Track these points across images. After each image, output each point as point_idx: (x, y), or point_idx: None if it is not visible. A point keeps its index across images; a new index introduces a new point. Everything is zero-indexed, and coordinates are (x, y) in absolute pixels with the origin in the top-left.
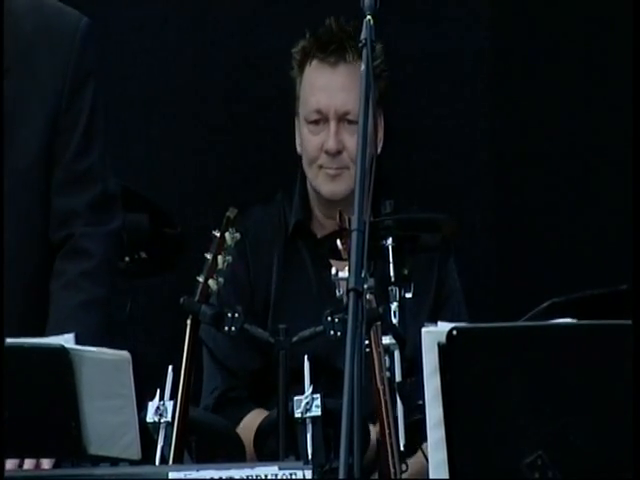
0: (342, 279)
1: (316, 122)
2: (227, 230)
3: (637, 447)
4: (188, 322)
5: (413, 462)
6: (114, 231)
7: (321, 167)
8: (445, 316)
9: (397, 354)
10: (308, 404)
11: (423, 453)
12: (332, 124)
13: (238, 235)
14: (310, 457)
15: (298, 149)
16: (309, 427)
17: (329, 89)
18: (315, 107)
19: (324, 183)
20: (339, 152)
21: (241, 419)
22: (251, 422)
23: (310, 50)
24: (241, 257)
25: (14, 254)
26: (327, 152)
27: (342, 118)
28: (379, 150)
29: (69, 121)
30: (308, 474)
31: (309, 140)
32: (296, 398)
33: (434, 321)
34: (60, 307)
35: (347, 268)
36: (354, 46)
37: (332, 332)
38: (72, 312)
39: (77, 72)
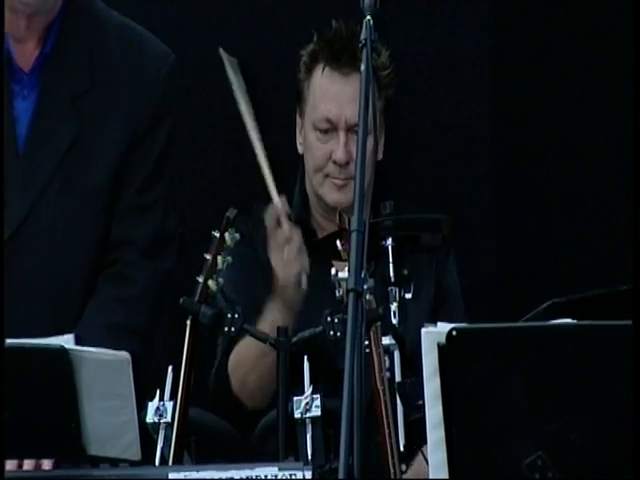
0: (342, 279)
1: (325, 130)
2: (227, 230)
3: (637, 447)
4: (188, 322)
5: (414, 465)
6: (165, 270)
7: (327, 176)
8: (441, 317)
9: (397, 354)
10: (308, 404)
11: (423, 455)
12: (341, 135)
13: (237, 235)
14: (310, 458)
15: (299, 148)
16: (309, 427)
17: (340, 99)
18: (325, 116)
19: (330, 192)
20: (347, 163)
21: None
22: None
23: (320, 55)
24: (247, 245)
25: (68, 274)
26: (336, 162)
27: (351, 129)
28: (380, 156)
29: (142, 153)
30: (308, 475)
31: (317, 147)
32: (296, 398)
33: (434, 321)
34: (86, 325)
35: (347, 268)
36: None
37: (332, 332)
38: (98, 333)
39: (157, 108)
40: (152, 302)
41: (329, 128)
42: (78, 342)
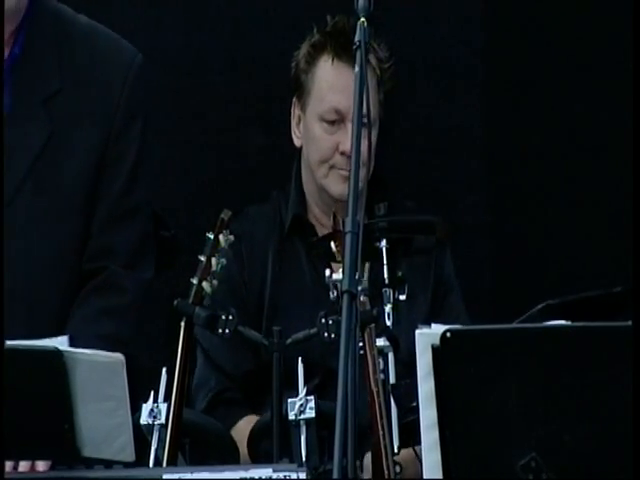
0: (336, 281)
1: (332, 122)
2: (221, 232)
3: (637, 448)
4: (182, 324)
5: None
6: (148, 281)
7: (333, 167)
8: (445, 315)
9: (391, 356)
10: (302, 406)
11: (417, 455)
12: (349, 126)
13: (232, 237)
14: (304, 459)
15: (296, 141)
16: (303, 429)
17: (349, 90)
18: (334, 107)
19: (335, 183)
20: None
21: (234, 423)
22: (245, 428)
23: (328, 46)
24: (236, 258)
25: (42, 276)
26: (343, 154)
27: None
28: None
29: (116, 155)
30: (302, 476)
31: (323, 139)
32: (290, 400)
33: (433, 321)
34: (76, 336)
35: (341, 270)
36: (373, 49)
37: (326, 334)
38: (88, 345)
39: (127, 107)
40: (138, 312)
41: (337, 119)
42: (72, 344)
